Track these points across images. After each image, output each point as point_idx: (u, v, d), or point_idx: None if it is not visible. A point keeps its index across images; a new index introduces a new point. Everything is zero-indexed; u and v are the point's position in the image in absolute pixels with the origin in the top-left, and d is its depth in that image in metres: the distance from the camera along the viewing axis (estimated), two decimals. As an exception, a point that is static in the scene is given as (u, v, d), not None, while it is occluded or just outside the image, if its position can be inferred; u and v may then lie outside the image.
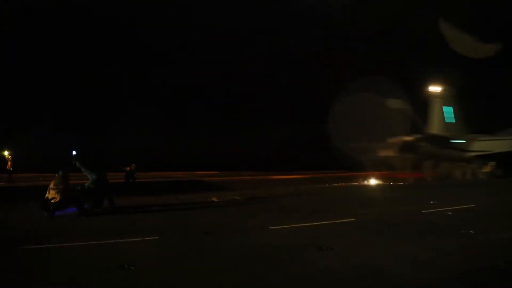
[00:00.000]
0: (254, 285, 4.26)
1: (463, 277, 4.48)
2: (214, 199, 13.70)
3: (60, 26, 40.06)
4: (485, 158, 27.27)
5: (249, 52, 47.21)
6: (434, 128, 27.68)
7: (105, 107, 41.54)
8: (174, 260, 5.34)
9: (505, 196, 14.15)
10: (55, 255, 5.67)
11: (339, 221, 8.32)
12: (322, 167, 37.40)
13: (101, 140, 38.17)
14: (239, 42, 47.73)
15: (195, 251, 5.84)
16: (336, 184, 22.61)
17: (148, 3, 45.92)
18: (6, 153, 20.37)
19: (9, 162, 19.77)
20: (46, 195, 9.60)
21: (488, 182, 22.28)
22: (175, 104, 44.79)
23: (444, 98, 27.42)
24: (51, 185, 9.67)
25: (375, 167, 28.85)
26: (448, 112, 28.12)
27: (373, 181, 24.24)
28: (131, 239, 6.60)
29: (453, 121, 28.23)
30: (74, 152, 11.04)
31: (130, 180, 19.73)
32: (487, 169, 26.82)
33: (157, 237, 6.76)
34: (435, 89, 27.57)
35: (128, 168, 20.12)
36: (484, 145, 27.93)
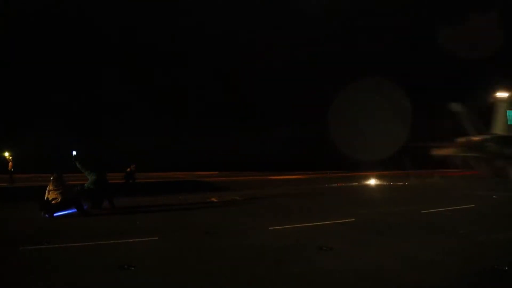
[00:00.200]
0: (254, 285, 4.26)
1: (463, 277, 4.48)
2: (214, 199, 13.71)
3: (60, 26, 40.09)
4: None
5: (249, 52, 47.20)
6: (498, 129, 29.78)
7: (106, 108, 41.56)
8: (174, 260, 5.34)
9: (506, 196, 14.13)
10: (55, 256, 5.67)
11: (339, 221, 8.32)
12: (322, 167, 37.41)
13: (101, 140, 38.22)
14: (239, 42, 47.74)
15: (195, 251, 5.84)
16: (336, 184, 22.61)
17: (148, 3, 45.92)
18: (7, 154, 20.37)
19: (10, 163, 19.78)
20: (46, 196, 9.62)
21: None
22: (175, 104, 44.79)
23: (508, 103, 29.69)
24: (50, 187, 9.69)
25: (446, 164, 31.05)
26: (511, 116, 30.70)
27: (373, 181, 24.24)
28: (131, 240, 6.60)
29: None
30: (74, 153, 11.03)
31: (130, 181, 19.73)
32: None
33: (157, 238, 6.77)
34: (502, 94, 29.98)
35: (128, 169, 20.13)
36: None
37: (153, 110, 43.32)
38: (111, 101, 41.80)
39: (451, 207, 10.33)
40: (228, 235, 7.02)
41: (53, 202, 9.46)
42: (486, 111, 30.32)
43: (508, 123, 30.00)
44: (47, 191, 9.70)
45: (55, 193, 9.56)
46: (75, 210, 9.90)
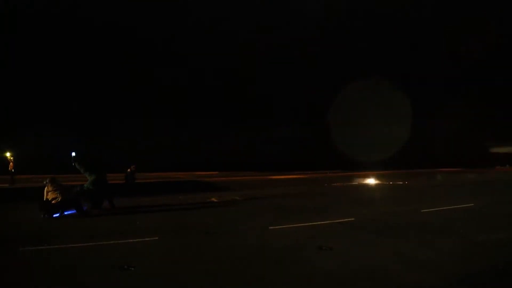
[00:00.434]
0: (254, 285, 4.26)
1: (463, 277, 4.49)
2: (214, 199, 13.71)
3: (60, 26, 40.07)
4: None
5: (248, 51, 47.19)
6: None
7: (106, 108, 41.55)
8: (174, 260, 5.35)
9: (506, 196, 14.14)
10: (54, 256, 5.68)
11: (338, 221, 8.33)
12: (322, 167, 37.43)
13: (101, 140, 38.22)
14: (239, 42, 47.70)
15: (195, 251, 5.85)
16: (336, 184, 22.63)
17: (148, 3, 45.90)
18: (8, 154, 20.36)
19: (11, 163, 19.77)
20: (45, 197, 9.63)
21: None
22: (175, 104, 44.78)
23: None
24: (49, 188, 9.71)
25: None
26: None
27: (372, 181, 24.25)
28: (131, 240, 6.61)
29: None
30: (73, 154, 11.02)
31: (130, 181, 19.76)
32: None
33: (157, 238, 6.78)
34: None
35: (129, 170, 20.14)
36: None
37: (153, 110, 43.32)
38: (111, 101, 41.81)
39: (451, 206, 10.35)
40: (228, 235, 7.03)
41: (53, 202, 9.49)
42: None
43: None
44: (45, 192, 9.72)
45: (55, 193, 9.58)
46: (75, 211, 9.92)
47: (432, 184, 21.25)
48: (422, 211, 9.62)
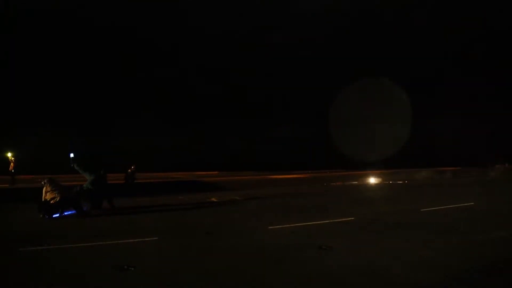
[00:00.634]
0: (254, 285, 4.26)
1: (463, 276, 4.49)
2: (214, 199, 13.72)
3: (60, 27, 40.05)
4: None
5: (248, 51, 47.15)
6: None
7: (106, 108, 41.53)
8: (174, 260, 5.35)
9: (505, 195, 14.15)
10: (54, 257, 5.68)
11: (338, 220, 8.34)
12: (322, 167, 37.43)
13: (101, 140, 38.22)
14: (239, 41, 47.66)
15: (194, 251, 5.85)
16: (336, 183, 22.63)
17: (148, 3, 45.86)
18: (9, 154, 20.34)
19: (11, 163, 19.75)
20: (44, 198, 9.62)
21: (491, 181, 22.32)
22: (175, 104, 44.77)
23: None
24: (47, 188, 9.71)
25: None
26: None
27: (372, 180, 24.25)
28: (131, 240, 6.61)
29: None
30: (71, 155, 11.00)
31: (129, 181, 19.73)
32: None
33: (157, 238, 6.78)
34: None
35: (129, 170, 20.12)
36: None
37: (153, 110, 43.30)
38: (111, 101, 41.78)
39: (451, 205, 10.35)
40: (228, 235, 7.03)
41: (51, 202, 9.47)
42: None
43: None
44: (44, 193, 9.70)
45: (54, 193, 9.56)
46: (74, 211, 9.92)
47: (432, 183, 21.25)
48: (422, 210, 9.62)
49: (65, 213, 9.78)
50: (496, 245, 6.01)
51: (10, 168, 19.57)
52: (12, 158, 19.85)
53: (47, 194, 9.61)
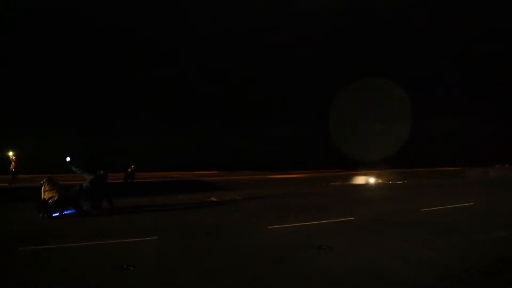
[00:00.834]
0: (254, 284, 4.26)
1: (463, 276, 4.49)
2: (214, 198, 13.71)
3: (61, 27, 40.04)
4: None
5: (248, 51, 47.13)
6: None
7: (106, 108, 41.53)
8: (174, 260, 5.35)
9: (505, 195, 14.15)
10: (54, 256, 5.68)
11: (338, 220, 8.33)
12: (321, 166, 37.42)
13: (101, 140, 38.22)
14: (238, 41, 47.65)
15: (194, 251, 5.85)
16: (336, 183, 22.63)
17: (148, 4, 45.86)
18: (10, 153, 20.34)
19: (13, 162, 19.75)
20: (43, 197, 9.61)
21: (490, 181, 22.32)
22: (175, 104, 44.76)
23: None
24: (46, 187, 9.69)
25: None
26: None
27: (372, 180, 24.26)
28: (131, 239, 6.61)
29: None
30: (68, 158, 10.97)
31: (129, 181, 19.74)
32: None
33: (157, 237, 6.77)
34: None
35: (129, 169, 20.12)
36: None
37: (153, 110, 43.31)
38: (111, 101, 41.78)
39: (451, 205, 10.35)
40: (228, 235, 7.03)
41: (50, 201, 9.45)
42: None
43: None
44: (42, 192, 9.69)
45: (52, 192, 9.55)
46: (74, 210, 9.91)
47: (431, 183, 21.25)
48: (421, 210, 9.62)
49: (65, 212, 9.77)
50: (496, 245, 6.01)
51: (11, 167, 19.58)
52: (13, 157, 19.86)
53: (46, 194, 9.59)
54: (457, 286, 4.22)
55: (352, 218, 8.54)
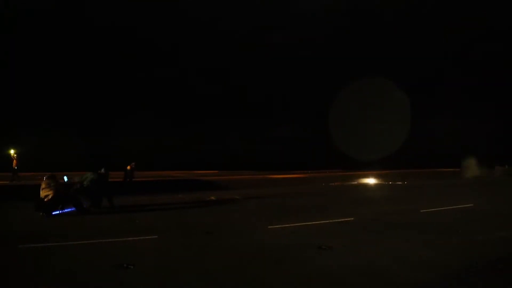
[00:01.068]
0: (254, 284, 4.26)
1: (463, 276, 4.49)
2: (214, 198, 13.72)
3: (61, 27, 40.03)
4: None
5: (248, 51, 47.13)
6: None
7: (106, 107, 41.52)
8: (173, 259, 5.35)
9: (505, 196, 14.16)
10: (53, 254, 5.67)
11: (338, 220, 8.34)
12: (321, 166, 37.43)
13: (101, 140, 38.23)
14: (238, 42, 47.65)
15: (194, 250, 5.84)
16: (336, 183, 22.63)
17: (148, 4, 45.85)
18: (12, 151, 20.37)
19: (14, 160, 19.77)
20: (40, 196, 9.60)
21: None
22: (175, 104, 44.77)
23: None
24: (43, 185, 9.69)
25: None
26: None
27: (372, 181, 24.25)
28: (130, 238, 6.61)
29: None
30: (65, 178, 10.99)
31: (127, 180, 19.69)
32: None
33: (156, 236, 6.77)
34: None
35: (129, 167, 20.07)
36: None
37: (153, 109, 43.30)
38: (111, 101, 41.78)
39: (451, 206, 10.35)
40: (228, 234, 7.03)
41: (45, 200, 9.44)
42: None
43: None
44: (40, 190, 9.69)
45: (47, 190, 9.54)
46: (74, 208, 9.91)
47: (431, 184, 21.25)
48: (421, 211, 9.62)
49: (65, 210, 9.76)
50: (496, 245, 6.01)
51: (14, 165, 19.60)
52: (15, 155, 19.88)
53: (42, 192, 9.58)
54: (457, 286, 4.22)
55: (352, 218, 8.54)
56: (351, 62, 45.48)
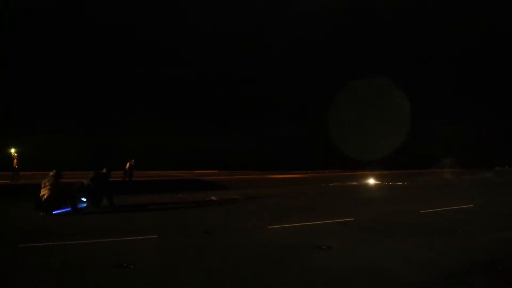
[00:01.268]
0: (253, 284, 4.26)
1: (463, 277, 4.49)
2: (214, 198, 13.71)
3: (61, 27, 40.02)
4: None
5: (248, 51, 47.15)
6: None
7: (106, 108, 41.52)
8: (173, 259, 5.35)
9: (505, 196, 14.15)
10: (53, 254, 5.68)
11: (338, 220, 8.33)
12: (321, 167, 37.43)
13: (101, 140, 38.23)
14: (238, 42, 47.65)
15: (194, 250, 5.85)
16: (335, 184, 22.63)
17: (148, 4, 45.86)
18: (12, 150, 20.37)
19: (15, 159, 19.77)
20: (40, 195, 9.61)
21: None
22: (175, 104, 44.77)
23: None
24: (42, 184, 9.70)
25: None
26: None
27: (372, 181, 24.25)
28: (130, 238, 6.61)
29: None
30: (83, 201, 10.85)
31: (126, 179, 19.61)
32: None
33: (156, 236, 6.77)
34: None
35: (128, 164, 19.96)
36: None
37: (153, 110, 43.30)
38: (112, 101, 41.76)
39: (451, 206, 10.35)
40: (228, 234, 7.03)
41: (43, 199, 9.44)
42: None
43: None
44: (40, 189, 9.70)
45: (44, 189, 9.54)
46: (71, 208, 9.90)
47: (431, 184, 21.25)
48: (421, 211, 9.62)
49: (66, 210, 9.75)
50: (496, 245, 6.01)
51: (14, 164, 19.60)
52: (15, 154, 19.88)
53: (41, 191, 9.59)
54: (457, 286, 4.23)
55: (352, 219, 8.54)
56: (351, 62, 45.47)
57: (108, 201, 10.95)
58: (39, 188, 9.80)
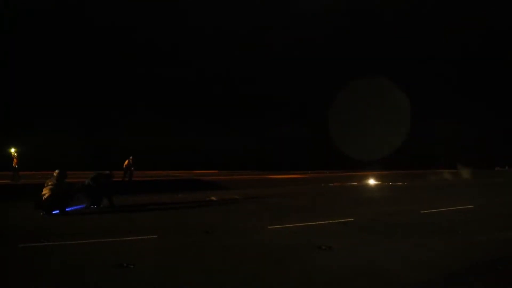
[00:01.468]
0: (253, 284, 4.26)
1: (463, 277, 4.49)
2: (214, 198, 13.71)
3: (61, 27, 40.02)
4: None
5: (248, 51, 47.15)
6: None
7: (106, 108, 41.51)
8: (173, 259, 5.35)
9: (505, 196, 14.16)
10: (53, 254, 5.68)
11: (338, 220, 8.33)
12: (321, 167, 37.43)
13: (101, 140, 38.23)
14: (238, 42, 47.66)
15: (194, 250, 5.85)
16: (335, 184, 22.63)
17: (148, 4, 45.84)
18: (12, 150, 20.37)
19: (14, 159, 19.77)
20: (41, 194, 9.62)
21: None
22: (175, 104, 44.76)
23: None
24: (45, 184, 9.71)
25: None
26: None
27: (372, 181, 24.25)
28: (130, 238, 6.61)
29: None
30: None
31: (126, 179, 19.56)
32: None
33: (156, 236, 6.77)
34: None
35: (126, 162, 19.87)
36: None
37: (153, 110, 43.29)
38: (111, 101, 41.75)
39: (451, 207, 10.35)
40: (228, 234, 7.03)
41: (43, 199, 9.44)
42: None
43: None
44: (43, 189, 9.71)
45: (46, 189, 9.55)
46: (75, 207, 9.92)
47: (431, 185, 21.25)
48: (421, 212, 9.62)
49: (66, 210, 9.76)
50: (496, 245, 6.01)
51: (14, 164, 19.60)
52: (15, 154, 19.88)
53: (43, 190, 9.59)
54: (457, 286, 4.23)
55: (352, 219, 8.54)
56: (351, 62, 45.46)
57: (108, 201, 10.96)
58: (39, 188, 9.81)
